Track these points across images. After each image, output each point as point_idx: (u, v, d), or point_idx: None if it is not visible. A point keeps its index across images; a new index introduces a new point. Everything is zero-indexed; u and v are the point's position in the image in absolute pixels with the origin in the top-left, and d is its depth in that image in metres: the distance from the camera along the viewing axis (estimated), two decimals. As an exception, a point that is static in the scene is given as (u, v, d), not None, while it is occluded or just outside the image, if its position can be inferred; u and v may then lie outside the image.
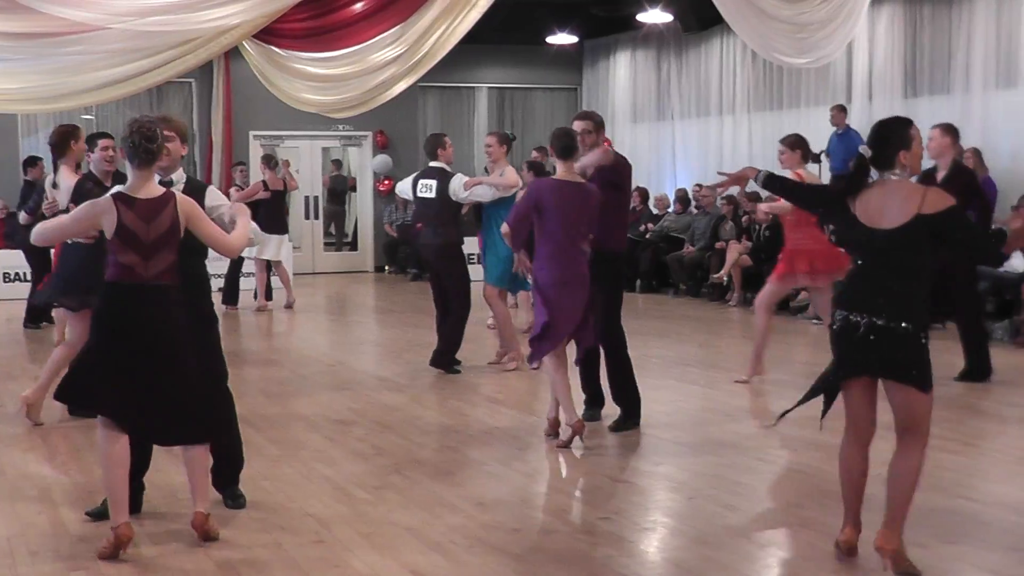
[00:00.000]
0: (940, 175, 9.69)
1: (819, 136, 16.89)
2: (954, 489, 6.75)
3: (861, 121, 16.55)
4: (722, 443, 7.96)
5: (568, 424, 7.76)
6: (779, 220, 13.33)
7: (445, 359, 10.72)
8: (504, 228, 7.97)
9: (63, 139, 9.12)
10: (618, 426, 8.26)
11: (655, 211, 19.38)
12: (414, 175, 11.19)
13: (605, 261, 8.03)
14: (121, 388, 5.57)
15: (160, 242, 5.57)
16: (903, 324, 5.16)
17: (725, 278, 16.26)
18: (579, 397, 8.26)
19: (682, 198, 18.84)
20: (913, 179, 5.32)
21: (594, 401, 8.54)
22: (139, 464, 6.03)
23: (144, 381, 5.58)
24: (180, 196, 5.71)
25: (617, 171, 8.14)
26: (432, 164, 10.84)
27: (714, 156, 19.82)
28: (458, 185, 10.53)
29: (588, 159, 7.96)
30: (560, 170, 7.78)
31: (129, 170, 5.68)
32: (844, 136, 16.37)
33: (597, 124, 8.28)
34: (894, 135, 5.29)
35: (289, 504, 6.47)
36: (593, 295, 7.86)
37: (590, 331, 7.88)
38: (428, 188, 10.71)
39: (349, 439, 8.16)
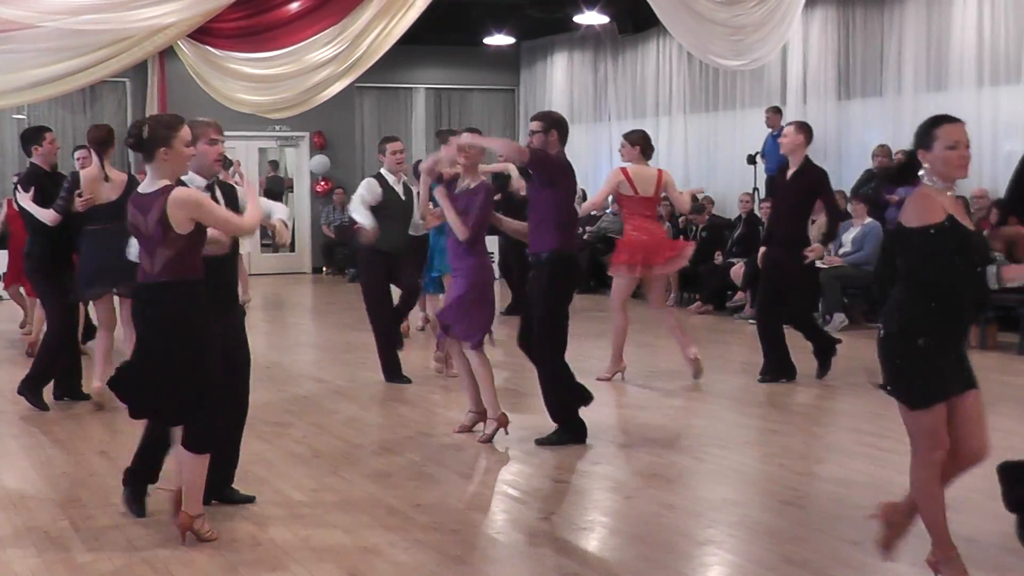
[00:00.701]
0: (790, 171, 10.01)
1: (755, 138, 17.08)
2: (888, 487, 6.82)
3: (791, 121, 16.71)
4: (659, 442, 8.00)
5: (492, 418, 7.89)
6: (720, 218, 13.51)
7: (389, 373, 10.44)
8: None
9: (110, 136, 9.36)
10: (551, 440, 7.93)
11: (592, 212, 19.41)
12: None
13: (540, 264, 7.94)
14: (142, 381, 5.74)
15: (156, 237, 5.56)
16: (882, 329, 4.95)
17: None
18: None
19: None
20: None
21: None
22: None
23: (159, 374, 5.68)
24: (177, 190, 5.61)
25: (546, 168, 7.89)
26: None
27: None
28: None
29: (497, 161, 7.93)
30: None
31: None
32: (779, 136, 16.49)
33: (547, 124, 8.04)
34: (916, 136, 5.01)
35: (226, 506, 6.41)
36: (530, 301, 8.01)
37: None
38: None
39: (286, 441, 8.11)
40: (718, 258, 15.58)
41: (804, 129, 10.19)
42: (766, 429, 8.52)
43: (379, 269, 10.25)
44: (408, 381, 10.18)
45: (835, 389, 9.97)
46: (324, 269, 22.18)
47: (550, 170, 7.88)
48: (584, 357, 11.83)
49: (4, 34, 14.83)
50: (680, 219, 16.72)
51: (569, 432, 7.94)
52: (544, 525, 6.13)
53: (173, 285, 5.59)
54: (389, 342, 10.41)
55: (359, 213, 10.11)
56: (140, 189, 5.72)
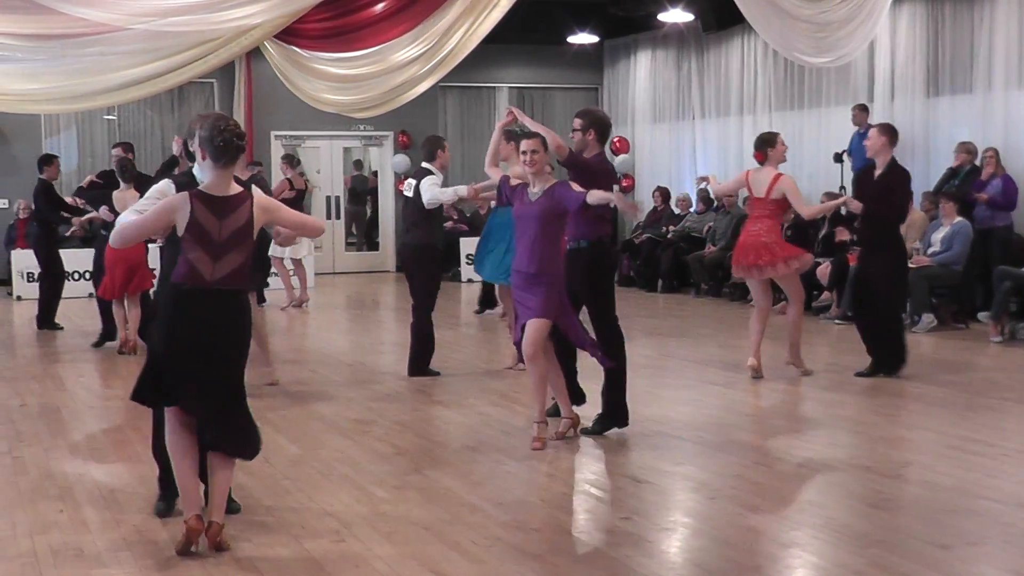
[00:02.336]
0: (877, 172, 10.24)
1: (841, 135, 16.86)
2: (976, 490, 6.71)
3: (883, 120, 16.45)
4: (743, 443, 7.93)
5: (567, 416, 7.94)
6: (801, 220, 13.39)
7: (416, 365, 10.64)
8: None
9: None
10: (594, 429, 8.16)
11: (676, 211, 19.34)
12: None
13: (578, 251, 8.04)
14: (188, 387, 5.57)
15: (231, 242, 5.51)
16: None
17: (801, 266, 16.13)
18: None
19: (704, 198, 18.79)
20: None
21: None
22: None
23: (201, 383, 5.56)
24: (258, 195, 5.67)
25: (579, 171, 7.98)
26: (423, 165, 10.73)
27: (735, 156, 19.77)
28: (425, 189, 10.32)
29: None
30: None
31: (208, 168, 5.57)
32: (866, 135, 16.28)
33: (586, 123, 8.11)
34: None
35: (310, 504, 6.47)
36: (574, 290, 8.00)
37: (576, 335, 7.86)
38: (409, 187, 10.65)
39: (369, 439, 8.16)
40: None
41: (888, 131, 10.30)
42: (852, 431, 8.41)
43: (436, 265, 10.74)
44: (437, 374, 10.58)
45: (922, 391, 9.82)
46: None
47: (583, 174, 7.93)
48: (667, 356, 11.79)
49: (94, 36, 15.10)
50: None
51: (613, 418, 8.16)
52: (626, 525, 6.10)
53: (242, 293, 5.64)
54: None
55: (446, 193, 10.37)
56: (217, 194, 5.55)
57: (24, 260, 17.80)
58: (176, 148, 9.86)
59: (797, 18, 13.74)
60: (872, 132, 10.43)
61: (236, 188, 5.60)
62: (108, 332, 12.60)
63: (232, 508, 6.12)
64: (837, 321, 13.89)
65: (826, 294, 14.74)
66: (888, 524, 6.05)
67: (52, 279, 14.45)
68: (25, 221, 18.77)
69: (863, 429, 8.42)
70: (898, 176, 10.22)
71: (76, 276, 17.18)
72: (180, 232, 5.49)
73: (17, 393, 10.07)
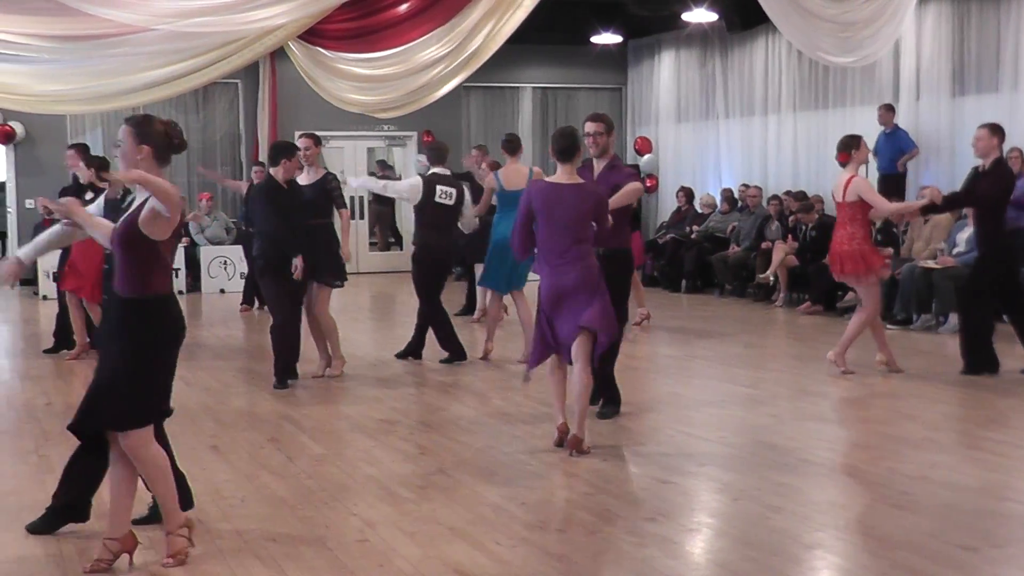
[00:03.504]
0: (983, 169, 10.29)
1: (866, 135, 16.72)
2: (1001, 492, 6.68)
3: (908, 120, 16.42)
4: (767, 444, 7.91)
5: (556, 427, 7.79)
6: (827, 220, 13.36)
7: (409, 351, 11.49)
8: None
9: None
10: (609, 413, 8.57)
11: (700, 211, 19.30)
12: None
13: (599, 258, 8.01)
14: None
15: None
16: None
17: (771, 278, 16.17)
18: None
19: (728, 198, 18.76)
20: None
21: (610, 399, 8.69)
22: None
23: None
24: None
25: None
26: (434, 171, 11.09)
27: (759, 156, 19.73)
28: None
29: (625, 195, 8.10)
30: (559, 171, 7.71)
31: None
32: (892, 135, 16.24)
33: (609, 126, 8.41)
34: None
35: (333, 503, 6.49)
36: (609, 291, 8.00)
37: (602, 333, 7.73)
38: (448, 196, 11.00)
39: (393, 439, 8.17)
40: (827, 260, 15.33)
41: (998, 131, 10.31)
42: (876, 432, 8.38)
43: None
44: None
45: (948, 392, 9.78)
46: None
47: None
48: (691, 356, 11.77)
49: (119, 37, 15.17)
50: (790, 218, 16.51)
51: (615, 402, 8.64)
52: (650, 526, 6.09)
53: None
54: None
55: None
56: None
57: (49, 260, 17.83)
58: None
59: (821, 18, 13.71)
60: (981, 132, 10.29)
61: None
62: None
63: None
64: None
65: (851, 294, 14.67)
66: (913, 526, 6.02)
67: None
68: (50, 221, 18.85)
69: (887, 430, 8.39)
70: (1003, 175, 10.24)
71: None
72: (163, 236, 5.46)
73: (43, 392, 10.13)
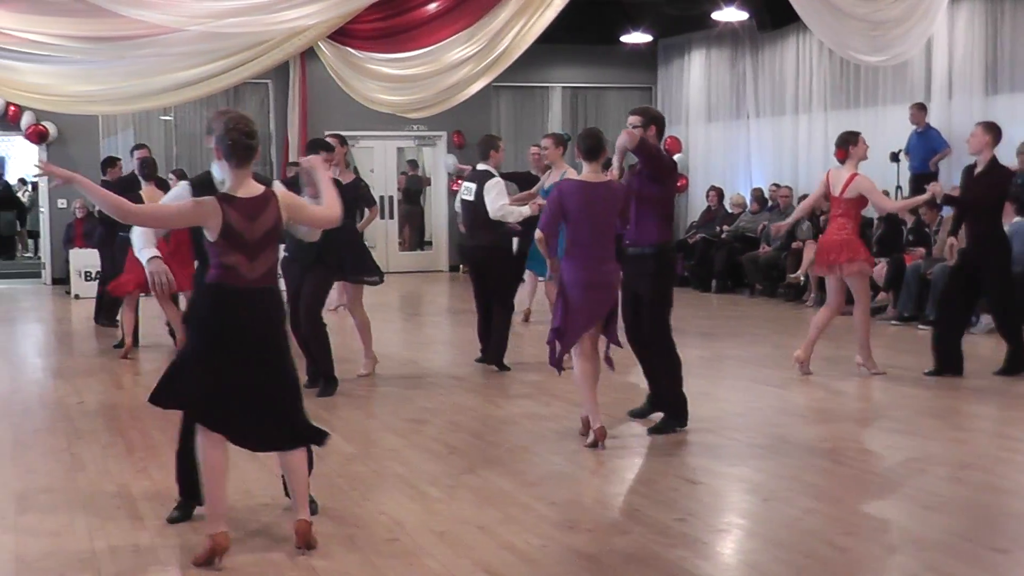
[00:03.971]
0: (977, 170, 10.28)
1: (898, 135, 16.69)
2: (1037, 493, 6.64)
3: (940, 119, 16.31)
4: (797, 445, 7.87)
5: (592, 429, 7.80)
6: (894, 218, 13.36)
7: (492, 358, 10.91)
8: (538, 234, 7.91)
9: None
10: (660, 429, 8.19)
11: (730, 211, 19.24)
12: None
13: (643, 256, 8.05)
14: (220, 394, 5.45)
15: (264, 241, 5.47)
16: None
17: (802, 278, 16.10)
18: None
19: (758, 197, 18.70)
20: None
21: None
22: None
23: (247, 387, 5.46)
24: (280, 191, 5.66)
25: (652, 163, 7.98)
26: (479, 167, 10.81)
27: (789, 155, 19.65)
28: (491, 199, 10.45)
29: (618, 141, 7.89)
30: (586, 170, 7.81)
31: (226, 169, 5.49)
32: (924, 135, 16.14)
33: (648, 120, 8.17)
34: None
35: (363, 502, 6.50)
36: (636, 292, 8.08)
37: (615, 331, 7.93)
38: (468, 191, 10.74)
39: (423, 438, 8.18)
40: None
41: (992, 129, 10.32)
42: (908, 433, 8.32)
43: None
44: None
45: (980, 393, 9.71)
46: (460, 268, 22.26)
47: (658, 164, 7.99)
48: (721, 356, 11.73)
49: (150, 38, 15.25)
50: (820, 217, 16.42)
51: (676, 417, 8.21)
52: (680, 526, 6.07)
53: (275, 290, 5.64)
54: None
55: (514, 215, 10.42)
56: (240, 195, 5.44)
57: (82, 259, 18.03)
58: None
59: (852, 16, 13.64)
60: (976, 130, 10.37)
61: (258, 187, 5.53)
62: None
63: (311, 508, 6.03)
64: (893, 322, 13.76)
65: (883, 294, 14.60)
66: (945, 527, 5.98)
67: (111, 278, 14.60)
68: (82, 221, 19.01)
69: (919, 430, 8.34)
70: (999, 174, 10.24)
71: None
72: (212, 237, 5.40)
73: (75, 390, 10.19)
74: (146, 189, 12.23)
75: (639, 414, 8.57)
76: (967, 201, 10.36)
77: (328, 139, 10.35)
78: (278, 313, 5.63)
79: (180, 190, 6.09)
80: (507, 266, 10.89)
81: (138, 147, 13.19)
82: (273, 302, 5.59)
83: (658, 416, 8.36)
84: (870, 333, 10.50)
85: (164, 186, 12.84)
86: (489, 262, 10.76)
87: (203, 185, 5.92)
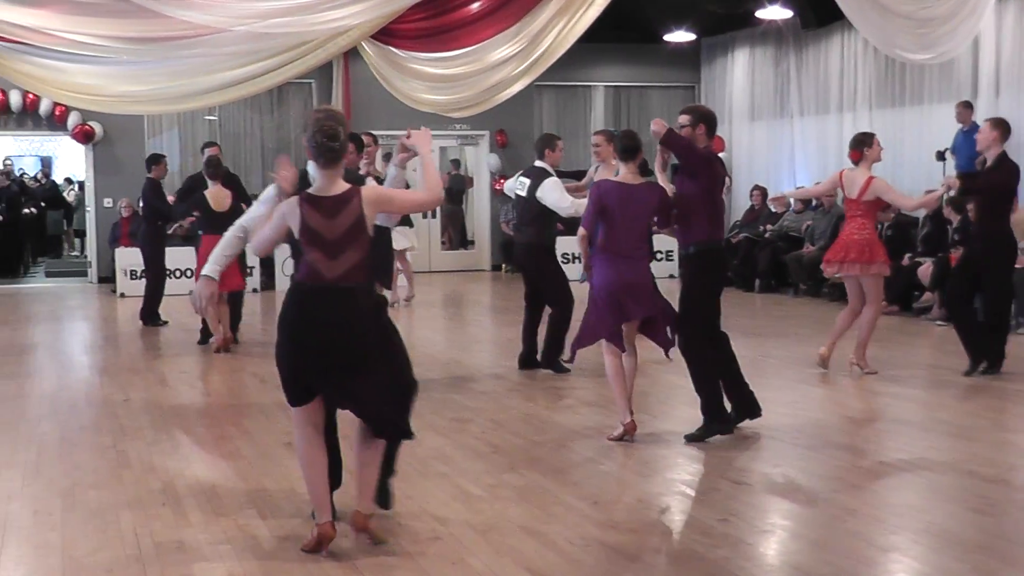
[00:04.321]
0: (987, 166, 10.36)
1: (944, 133, 16.55)
2: (1085, 496, 6.56)
3: (988, 117, 16.14)
4: (842, 445, 7.83)
5: (621, 422, 7.87)
6: (903, 219, 13.22)
7: (547, 358, 10.70)
8: (581, 231, 7.91)
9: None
10: (697, 435, 7.90)
11: (774, 210, 19.15)
12: (519, 173, 11.24)
13: (686, 256, 8.02)
14: (310, 384, 5.58)
15: (345, 240, 5.48)
16: None
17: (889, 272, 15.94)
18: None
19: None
20: None
21: (741, 408, 8.20)
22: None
23: (332, 384, 5.57)
24: (365, 189, 5.66)
25: (683, 156, 7.90)
26: (536, 164, 10.78)
27: (834, 154, 19.50)
28: (556, 198, 10.35)
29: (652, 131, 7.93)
30: (623, 171, 7.82)
31: (315, 169, 5.57)
32: (970, 134, 15.96)
33: (696, 118, 8.01)
34: None
35: (406, 501, 6.51)
36: (685, 291, 8.00)
37: (662, 333, 7.92)
38: (522, 186, 10.71)
39: (466, 437, 8.19)
40: (906, 260, 15.12)
41: (1000, 125, 10.26)
42: (953, 434, 8.25)
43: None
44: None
45: (1028, 394, 9.63)
46: (503, 267, 22.28)
47: (689, 156, 7.88)
48: (765, 356, 11.67)
49: (196, 39, 15.37)
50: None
51: (716, 424, 7.94)
52: (723, 527, 6.05)
53: (362, 288, 5.61)
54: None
55: (572, 208, 10.29)
56: (324, 195, 5.52)
57: (128, 258, 18.18)
58: None
59: (898, 14, 13.55)
60: (984, 126, 10.39)
61: (344, 186, 5.56)
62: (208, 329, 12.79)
63: (383, 503, 6.08)
64: (939, 322, 13.64)
65: (928, 294, 14.49)
66: (991, 529, 5.93)
67: (155, 276, 14.75)
68: (128, 219, 19.18)
69: (965, 432, 8.26)
70: (1007, 171, 10.18)
71: (178, 273, 17.49)
72: (296, 235, 5.51)
73: (121, 388, 10.28)
74: (212, 188, 12.40)
75: (695, 438, 8.01)
76: (979, 186, 10.38)
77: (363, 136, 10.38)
78: (363, 311, 5.57)
79: (269, 192, 6.13)
80: (550, 264, 10.80)
81: (209, 145, 13.28)
82: (357, 300, 5.54)
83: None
84: (871, 334, 10.46)
85: (232, 183, 12.92)
86: (536, 260, 10.72)
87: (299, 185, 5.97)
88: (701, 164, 7.91)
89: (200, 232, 12.80)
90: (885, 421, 8.74)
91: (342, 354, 5.48)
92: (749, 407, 8.15)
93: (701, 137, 7.97)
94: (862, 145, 10.28)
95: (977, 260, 10.33)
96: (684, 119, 8.04)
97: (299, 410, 5.63)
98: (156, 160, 14.68)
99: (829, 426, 8.47)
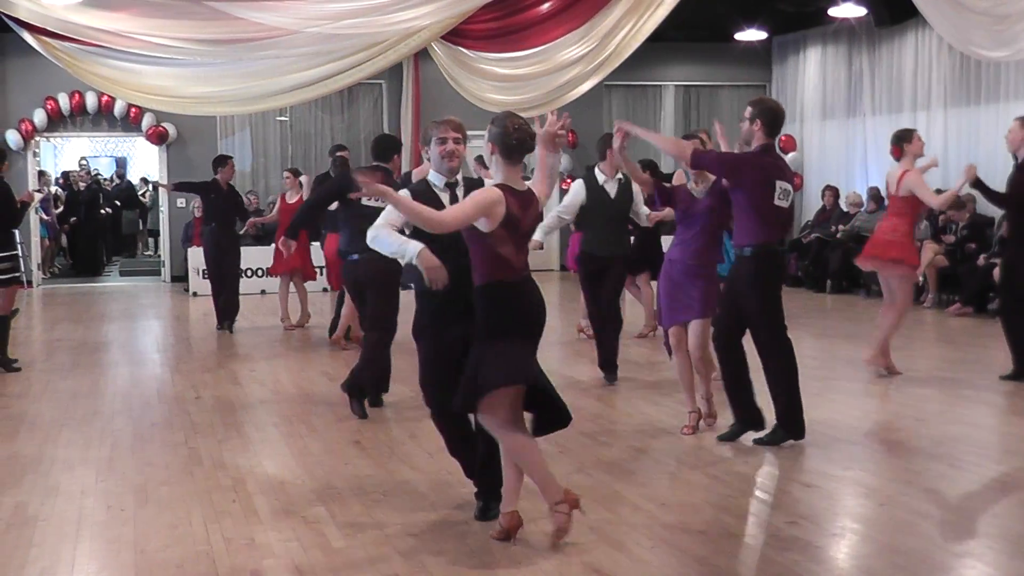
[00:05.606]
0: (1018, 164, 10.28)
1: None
2: None
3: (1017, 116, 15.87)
4: (914, 449, 7.72)
5: (688, 411, 8.19)
6: (979, 219, 13.01)
7: (606, 367, 10.40)
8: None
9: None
10: (769, 440, 7.83)
11: (846, 210, 18.95)
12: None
13: (743, 258, 7.80)
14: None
15: (528, 235, 5.88)
16: None
17: (920, 278, 15.79)
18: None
19: (875, 196, 18.38)
20: None
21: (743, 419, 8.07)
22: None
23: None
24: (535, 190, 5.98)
25: (711, 168, 7.77)
26: (596, 167, 10.69)
27: (907, 153, 19.25)
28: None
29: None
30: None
31: (500, 165, 5.84)
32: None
33: (756, 112, 7.68)
34: None
35: (474, 499, 6.50)
36: (735, 297, 7.86)
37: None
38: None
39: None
40: (981, 260, 14.90)
41: None
42: (1030, 438, 8.12)
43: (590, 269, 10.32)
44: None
45: (1107, 397, 9.44)
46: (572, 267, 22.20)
47: (717, 170, 7.74)
48: (836, 358, 11.56)
49: (268, 40, 15.51)
50: (940, 217, 16.11)
51: (788, 430, 7.79)
52: (792, 530, 5.99)
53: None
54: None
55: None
56: (517, 188, 5.82)
57: (200, 257, 18.33)
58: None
59: (974, 11, 13.34)
60: (1014, 125, 10.27)
61: (524, 184, 5.92)
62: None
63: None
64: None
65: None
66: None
67: (224, 279, 14.88)
68: (200, 220, 19.40)
69: (1042, 436, 8.13)
70: None
71: (249, 273, 17.67)
72: (491, 228, 5.63)
73: (192, 386, 10.39)
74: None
75: (728, 438, 8.00)
76: (1006, 197, 10.29)
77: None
78: (542, 297, 5.94)
79: (404, 194, 5.99)
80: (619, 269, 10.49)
81: (338, 148, 13.33)
82: (537, 287, 5.93)
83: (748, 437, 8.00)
84: (892, 336, 10.46)
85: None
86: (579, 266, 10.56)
87: (421, 192, 6.02)
88: (730, 171, 7.70)
89: (324, 231, 13.42)
90: (959, 424, 8.61)
91: (537, 341, 5.85)
92: (753, 419, 7.96)
93: (758, 132, 7.68)
94: (902, 141, 10.22)
95: (1010, 264, 10.20)
96: (746, 111, 7.86)
97: (507, 408, 5.67)
98: (222, 162, 14.60)
99: (901, 429, 8.36)
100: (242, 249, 15.20)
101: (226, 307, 14.27)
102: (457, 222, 5.65)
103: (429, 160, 6.19)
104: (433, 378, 6.02)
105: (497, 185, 5.73)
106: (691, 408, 8.26)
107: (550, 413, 5.90)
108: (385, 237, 5.97)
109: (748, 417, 7.93)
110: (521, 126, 5.86)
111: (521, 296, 5.76)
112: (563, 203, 10.34)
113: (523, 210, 5.75)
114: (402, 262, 6.11)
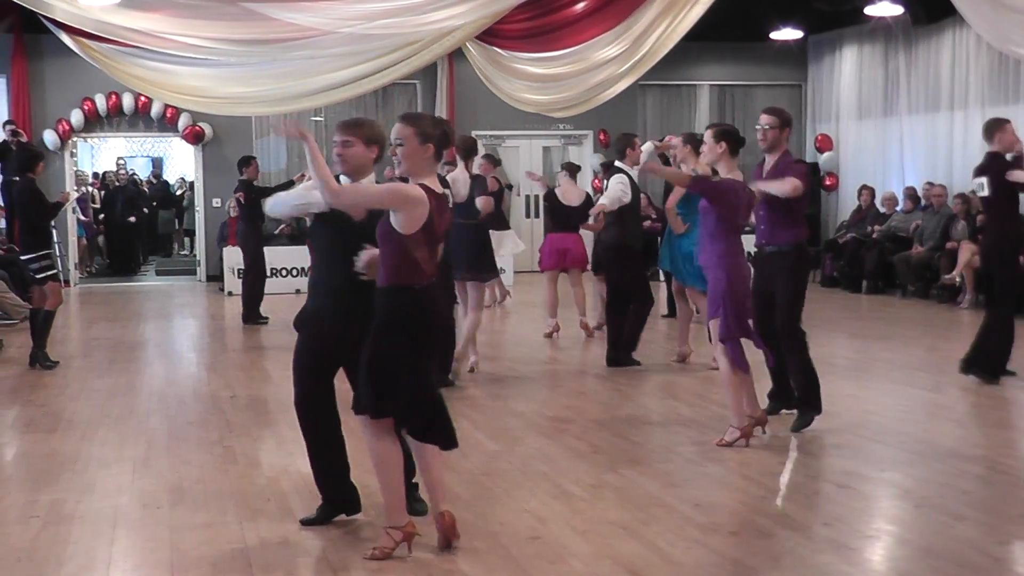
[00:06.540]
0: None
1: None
2: None
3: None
4: (950, 450, 7.66)
5: (735, 426, 7.92)
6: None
7: (621, 355, 10.90)
8: None
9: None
10: (799, 425, 8.14)
11: (882, 210, 18.83)
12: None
13: (781, 253, 8.04)
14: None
15: (441, 239, 5.67)
16: None
17: (957, 279, 15.68)
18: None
19: (911, 196, 18.26)
20: None
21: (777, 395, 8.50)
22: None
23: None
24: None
25: (712, 196, 7.78)
26: (616, 164, 10.90)
27: (944, 152, 19.13)
28: (609, 193, 10.68)
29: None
30: (722, 170, 7.87)
31: (427, 164, 5.52)
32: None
33: (782, 121, 8.03)
34: None
35: (507, 499, 6.53)
36: (770, 290, 8.08)
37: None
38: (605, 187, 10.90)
39: (566, 437, 8.17)
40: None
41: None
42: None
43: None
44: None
45: None
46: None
47: (718, 196, 7.72)
48: (872, 359, 11.49)
49: (303, 40, 15.55)
50: (977, 217, 15.97)
51: (810, 404, 8.13)
52: (827, 531, 5.96)
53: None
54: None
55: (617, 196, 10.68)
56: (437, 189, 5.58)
57: (235, 257, 18.44)
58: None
59: (1013, 9, 13.21)
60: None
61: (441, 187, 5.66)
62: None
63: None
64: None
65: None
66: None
67: (254, 275, 15.00)
68: (235, 219, 19.49)
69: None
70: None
71: (283, 272, 17.75)
72: (411, 230, 5.40)
73: (227, 385, 10.44)
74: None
75: (797, 427, 8.17)
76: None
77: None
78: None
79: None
80: (623, 264, 10.88)
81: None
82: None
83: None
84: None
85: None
86: (618, 259, 10.92)
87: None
88: (722, 198, 7.73)
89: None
90: (995, 426, 8.54)
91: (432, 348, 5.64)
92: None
93: (787, 141, 8.12)
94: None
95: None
96: (767, 120, 8.04)
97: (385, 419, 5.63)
98: (247, 162, 15.11)
99: (937, 430, 8.30)
100: (278, 249, 15.37)
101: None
102: (352, 201, 5.55)
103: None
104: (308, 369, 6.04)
105: (420, 185, 5.45)
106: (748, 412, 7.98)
107: (443, 430, 5.68)
108: (283, 196, 6.00)
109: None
110: (441, 123, 5.66)
111: (428, 303, 5.50)
112: (611, 196, 10.62)
113: (440, 215, 5.51)
114: (309, 217, 5.97)
